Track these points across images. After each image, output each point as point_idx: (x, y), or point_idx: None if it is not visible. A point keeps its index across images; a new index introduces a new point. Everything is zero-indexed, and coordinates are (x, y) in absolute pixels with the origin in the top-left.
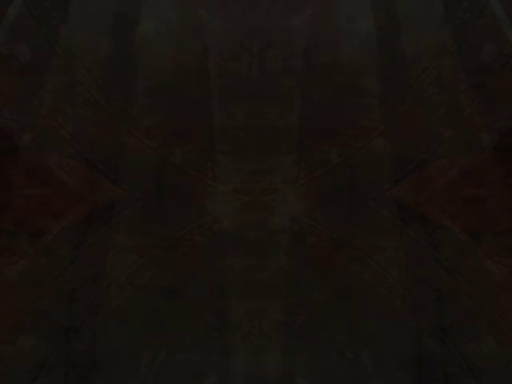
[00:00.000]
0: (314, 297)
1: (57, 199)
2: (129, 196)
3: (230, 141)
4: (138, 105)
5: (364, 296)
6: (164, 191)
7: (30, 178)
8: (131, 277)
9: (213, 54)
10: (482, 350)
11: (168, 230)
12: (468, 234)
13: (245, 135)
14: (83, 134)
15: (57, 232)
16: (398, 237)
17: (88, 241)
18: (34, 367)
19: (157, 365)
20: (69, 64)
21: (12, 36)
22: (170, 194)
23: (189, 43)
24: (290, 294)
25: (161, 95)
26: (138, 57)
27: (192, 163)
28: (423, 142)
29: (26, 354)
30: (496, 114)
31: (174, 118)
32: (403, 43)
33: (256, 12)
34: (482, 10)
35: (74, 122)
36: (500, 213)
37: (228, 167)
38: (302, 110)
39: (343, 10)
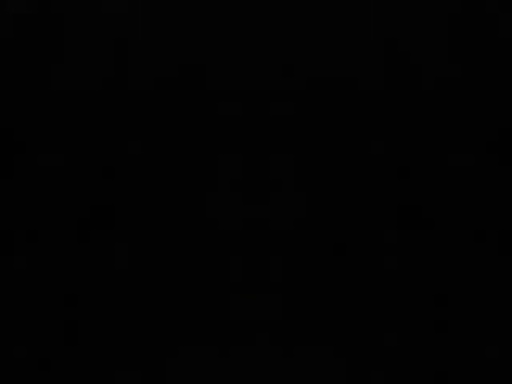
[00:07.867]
0: (314, 297)
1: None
2: (129, 196)
3: (229, 140)
4: (137, 104)
5: (364, 296)
6: (164, 191)
7: None
8: (131, 277)
9: (212, 54)
10: (482, 350)
11: (168, 230)
12: (468, 234)
13: (245, 134)
14: (83, 133)
15: (56, 232)
16: (398, 237)
17: (88, 241)
18: (33, 368)
19: (157, 365)
20: (69, 64)
21: (12, 36)
22: (169, 193)
23: (188, 43)
24: (290, 294)
25: (160, 95)
26: (137, 56)
27: (192, 163)
28: (423, 142)
29: (25, 354)
30: (496, 114)
31: (173, 117)
32: (404, 43)
33: (255, 12)
34: (482, 9)
35: (74, 122)
36: (500, 213)
37: (228, 166)
38: (302, 109)
39: (343, 10)
